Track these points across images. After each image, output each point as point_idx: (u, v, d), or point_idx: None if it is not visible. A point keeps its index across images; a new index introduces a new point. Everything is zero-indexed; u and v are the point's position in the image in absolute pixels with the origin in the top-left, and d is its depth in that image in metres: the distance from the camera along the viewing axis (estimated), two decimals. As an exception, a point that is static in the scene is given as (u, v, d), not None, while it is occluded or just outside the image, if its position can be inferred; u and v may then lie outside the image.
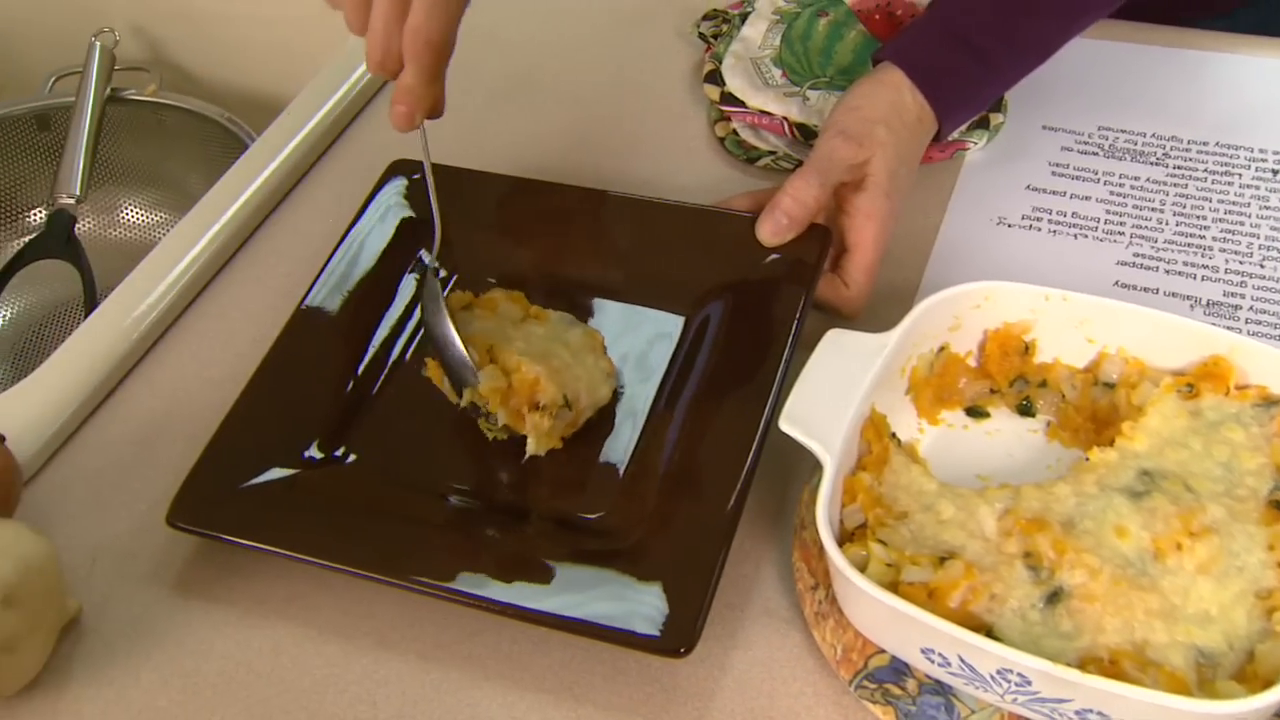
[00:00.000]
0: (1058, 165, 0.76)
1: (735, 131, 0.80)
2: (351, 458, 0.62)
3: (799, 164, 0.77)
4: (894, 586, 0.50)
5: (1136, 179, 0.74)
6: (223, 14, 1.05)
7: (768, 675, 0.54)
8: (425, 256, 0.66)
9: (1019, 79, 0.72)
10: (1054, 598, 0.49)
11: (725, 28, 0.86)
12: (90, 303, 0.93)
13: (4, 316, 0.98)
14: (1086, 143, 0.77)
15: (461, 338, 0.60)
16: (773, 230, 0.65)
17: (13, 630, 0.52)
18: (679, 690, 0.54)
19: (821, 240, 0.65)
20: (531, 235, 0.70)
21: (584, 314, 0.66)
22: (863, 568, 0.51)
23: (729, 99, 0.80)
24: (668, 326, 0.66)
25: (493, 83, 0.87)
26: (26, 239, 1.00)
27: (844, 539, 0.53)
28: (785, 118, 0.78)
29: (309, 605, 0.58)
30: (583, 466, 0.60)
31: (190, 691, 0.56)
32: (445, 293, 0.67)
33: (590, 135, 0.83)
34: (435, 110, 0.60)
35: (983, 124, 0.77)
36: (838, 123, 0.67)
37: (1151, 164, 0.75)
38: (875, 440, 0.56)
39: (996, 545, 0.51)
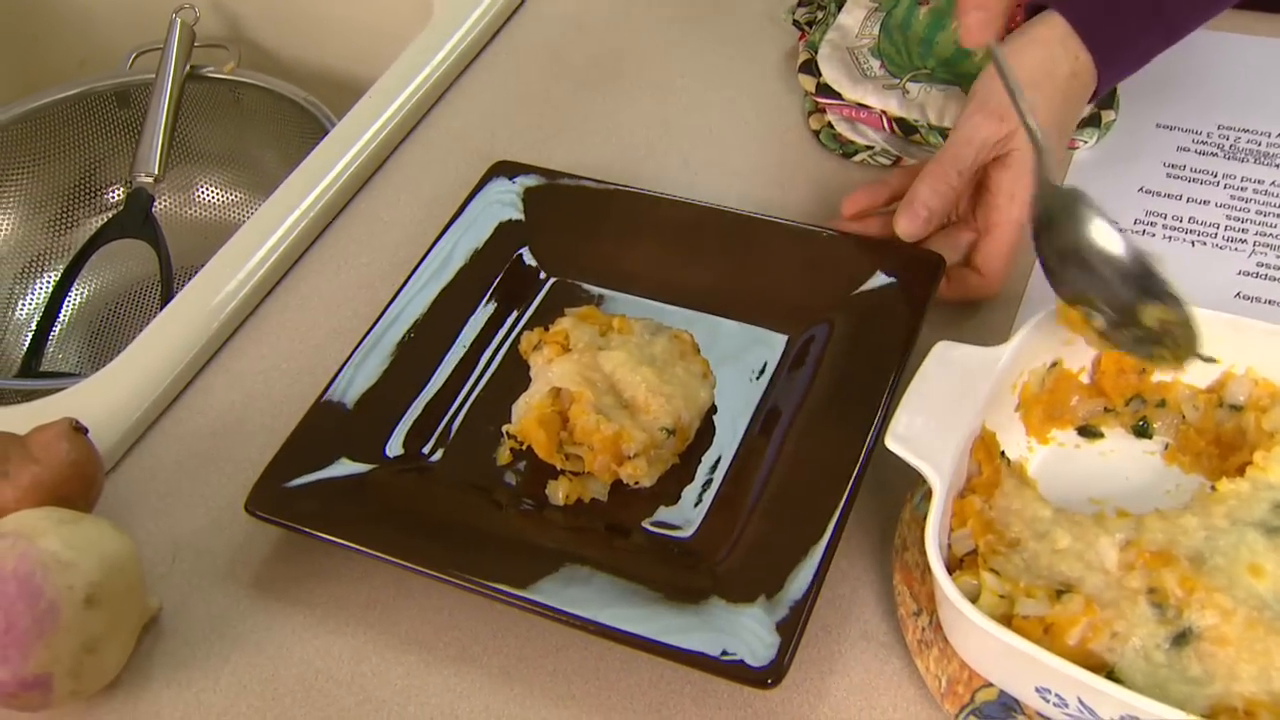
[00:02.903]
0: (1173, 166, 0.72)
1: (831, 125, 0.76)
2: (436, 457, 0.61)
3: (897, 160, 0.74)
4: (1007, 619, 0.47)
5: (1260, 182, 0.70)
6: (304, -9, 1.03)
7: (866, 704, 0.52)
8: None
9: (1188, 30, 0.66)
10: (1181, 639, 0.46)
11: (820, 15, 0.82)
12: (166, 283, 0.92)
13: (81, 295, 0.98)
14: (1205, 143, 0.73)
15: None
16: (910, 222, 0.62)
17: (96, 630, 0.51)
18: (772, 716, 0.52)
19: (934, 269, 0.62)
20: (636, 247, 0.68)
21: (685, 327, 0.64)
22: (974, 598, 0.48)
23: (825, 90, 0.77)
24: (770, 345, 0.63)
25: (580, 69, 0.85)
26: (105, 217, 0.99)
27: (952, 565, 0.51)
28: (884, 111, 0.74)
29: (389, 611, 0.57)
30: (675, 482, 0.58)
31: (270, 698, 0.54)
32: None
33: (677, 124, 0.80)
34: None
35: (1093, 121, 0.73)
36: (979, 93, 0.63)
37: (1276, 166, 0.71)
38: (986, 461, 0.53)
39: (1118, 579, 0.48)
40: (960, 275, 0.64)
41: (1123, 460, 0.57)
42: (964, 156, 0.62)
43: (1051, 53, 0.63)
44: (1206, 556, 0.48)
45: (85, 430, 0.58)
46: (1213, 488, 0.52)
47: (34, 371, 0.92)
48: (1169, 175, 0.72)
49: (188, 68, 0.98)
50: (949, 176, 0.62)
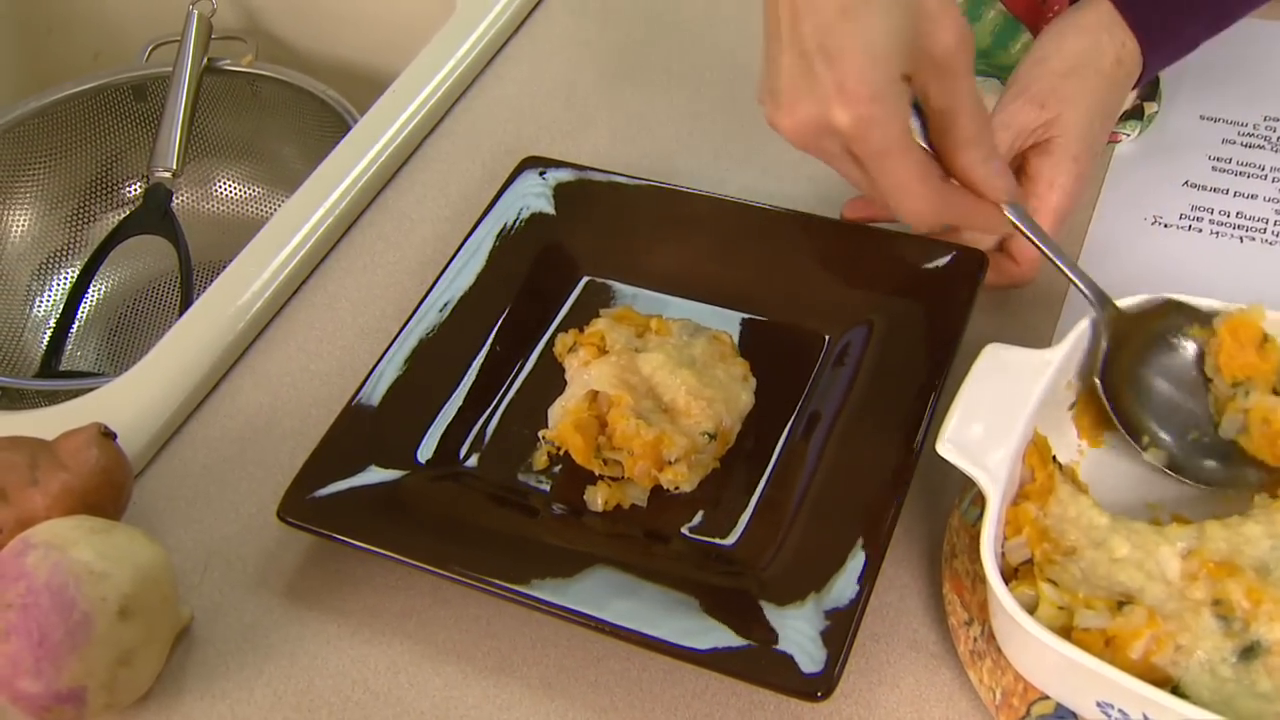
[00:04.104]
0: (1219, 159, 0.70)
1: (866, 117, 0.75)
2: (470, 463, 0.60)
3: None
4: (1066, 631, 0.46)
5: (1309, 176, 0.69)
6: (321, -17, 1.02)
7: (917, 716, 0.51)
8: None
9: (1237, 17, 0.64)
10: (1249, 652, 0.45)
11: (853, 4, 0.81)
12: (185, 279, 0.91)
13: (99, 293, 0.97)
14: (1251, 135, 0.71)
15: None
16: None
17: (130, 643, 0.50)
18: (821, 729, 0.51)
19: (978, 267, 0.61)
20: (669, 245, 0.66)
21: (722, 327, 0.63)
22: (1030, 609, 0.47)
23: (860, 82, 0.75)
24: (809, 345, 0.62)
25: (607, 62, 0.83)
26: (123, 212, 0.98)
27: (1007, 575, 0.49)
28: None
29: (426, 621, 0.56)
30: (716, 487, 0.57)
31: (305, 709, 0.53)
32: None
33: (708, 118, 0.78)
34: None
35: (1135, 114, 0.72)
36: (1020, 80, 0.62)
37: (1325, 160, 0.69)
38: (1039, 467, 0.52)
39: (1180, 590, 0.47)
40: (995, 262, 0.63)
41: (1177, 463, 0.56)
42: (1001, 142, 0.61)
43: (1096, 39, 0.62)
44: (1272, 567, 0.47)
45: (114, 435, 0.57)
46: (1278, 495, 0.50)
47: (53, 371, 0.91)
48: (1214, 169, 0.70)
49: (205, 60, 0.96)
50: None
